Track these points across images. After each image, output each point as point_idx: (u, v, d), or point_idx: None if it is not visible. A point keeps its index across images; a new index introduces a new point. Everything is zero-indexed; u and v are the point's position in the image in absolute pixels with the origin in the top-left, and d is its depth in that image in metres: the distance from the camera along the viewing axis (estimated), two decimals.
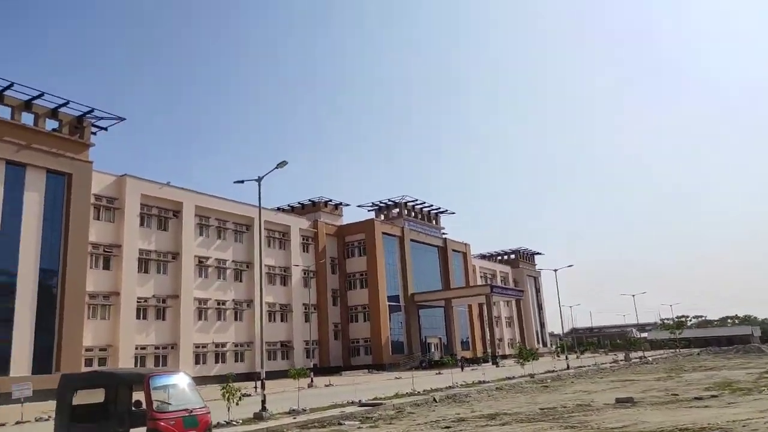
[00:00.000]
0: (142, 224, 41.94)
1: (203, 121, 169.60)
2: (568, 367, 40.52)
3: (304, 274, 54.90)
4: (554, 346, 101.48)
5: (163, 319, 42.30)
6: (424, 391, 23.68)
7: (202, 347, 44.51)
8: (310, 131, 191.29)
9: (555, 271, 51.96)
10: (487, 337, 67.61)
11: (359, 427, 14.33)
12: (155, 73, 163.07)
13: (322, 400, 21.06)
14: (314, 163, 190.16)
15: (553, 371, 37.01)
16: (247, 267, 49.62)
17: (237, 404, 15.82)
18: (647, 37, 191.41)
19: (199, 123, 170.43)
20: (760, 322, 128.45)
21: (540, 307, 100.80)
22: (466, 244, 74.40)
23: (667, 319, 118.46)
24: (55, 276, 35.21)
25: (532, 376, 32.36)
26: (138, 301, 40.44)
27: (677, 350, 74.89)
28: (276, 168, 21.00)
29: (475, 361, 57.82)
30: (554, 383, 28.45)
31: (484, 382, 28.59)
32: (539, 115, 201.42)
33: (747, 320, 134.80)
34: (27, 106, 34.98)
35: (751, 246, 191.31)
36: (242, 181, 22.24)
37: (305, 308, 54.51)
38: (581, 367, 42.87)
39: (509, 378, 31.32)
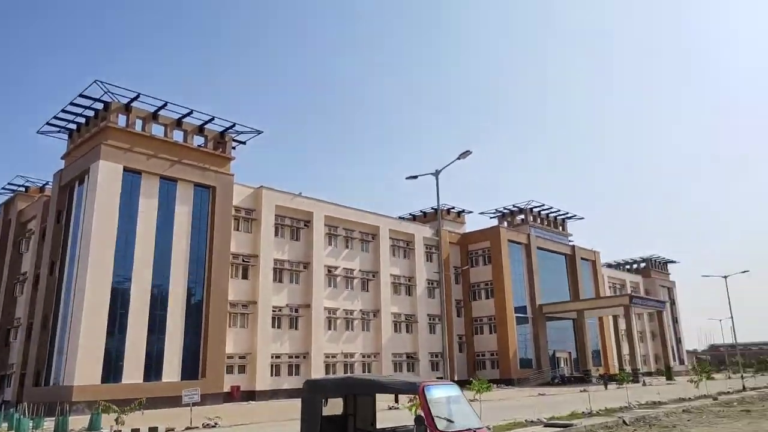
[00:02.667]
0: (276, 234, 42.97)
1: (332, 130, 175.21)
2: (744, 388, 35.80)
3: (429, 284, 53.87)
4: (690, 365, 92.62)
5: (296, 329, 42.99)
6: (600, 411, 21.35)
7: (332, 357, 44.74)
8: (431, 140, 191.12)
9: (725, 278, 46.92)
10: (623, 352, 62.52)
11: None
12: (280, 84, 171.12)
13: (492, 416, 18.80)
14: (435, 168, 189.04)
15: (730, 392, 32.72)
16: (373, 276, 49.39)
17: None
18: None
19: (328, 132, 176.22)
20: None
21: (675, 321, 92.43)
22: (595, 252, 69.64)
23: None
24: (201, 285, 36.81)
25: (715, 398, 28.67)
26: (273, 310, 41.38)
27: None
28: (458, 159, 19.82)
29: (613, 378, 53.41)
30: (755, 407, 24.66)
31: (660, 402, 25.63)
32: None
33: None
34: (178, 123, 36.97)
35: None
36: (416, 177, 21.29)
37: (430, 319, 53.46)
38: (758, 388, 37.64)
39: (685, 399, 27.94)
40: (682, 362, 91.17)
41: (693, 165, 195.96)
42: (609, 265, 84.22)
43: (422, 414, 6.76)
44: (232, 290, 38.68)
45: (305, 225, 45.22)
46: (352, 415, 8.20)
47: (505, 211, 62.96)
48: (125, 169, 34.29)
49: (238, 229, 40.72)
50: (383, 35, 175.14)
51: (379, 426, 8.34)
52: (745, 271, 47.20)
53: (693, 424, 18.31)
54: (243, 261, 40.62)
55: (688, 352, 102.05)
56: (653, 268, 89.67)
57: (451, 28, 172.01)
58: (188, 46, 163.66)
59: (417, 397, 7.18)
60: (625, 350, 64.67)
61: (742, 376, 42.10)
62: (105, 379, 31.27)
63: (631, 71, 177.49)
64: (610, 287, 75.90)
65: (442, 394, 7.34)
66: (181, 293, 35.66)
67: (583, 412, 20.56)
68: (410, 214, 61.59)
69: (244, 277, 40.63)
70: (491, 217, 64.29)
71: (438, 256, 54.04)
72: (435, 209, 59.60)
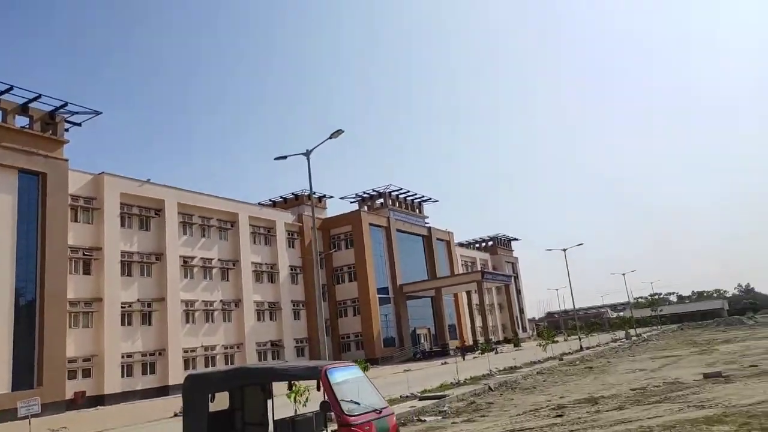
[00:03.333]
0: (123, 225, 39.45)
1: (177, 118, 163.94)
2: (581, 348, 40.32)
3: (291, 270, 53.23)
4: (533, 332, 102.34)
5: (150, 324, 40.00)
6: (466, 380, 22.56)
7: (191, 351, 42.38)
8: (286, 123, 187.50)
9: (564, 250, 52.04)
10: (476, 324, 67.26)
11: (453, 422, 12.90)
12: (125, 62, 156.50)
13: None
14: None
15: (570, 353, 36.67)
16: (234, 265, 47.53)
17: (305, 405, 14.19)
18: None
19: (173, 119, 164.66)
20: (729, 297, 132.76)
21: (519, 293, 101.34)
22: (449, 233, 73.75)
23: (641, 298, 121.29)
24: (33, 284, 32.63)
25: (560, 358, 31.82)
26: (122, 307, 38.05)
27: (659, 327, 76.28)
28: (330, 138, 19.20)
29: (469, 349, 57.19)
30: (594, 364, 27.88)
31: (516, 367, 27.84)
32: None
33: (718, 295, 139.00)
34: None
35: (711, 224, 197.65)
36: (285, 157, 20.50)
37: (294, 305, 52.91)
38: (591, 347, 42.62)
39: (536, 362, 30.70)
40: (525, 330, 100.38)
41: (531, 153, 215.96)
42: (461, 245, 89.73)
43: (326, 399, 6.23)
44: (72, 287, 34.81)
45: (156, 214, 42.05)
46: (240, 409, 7.39)
47: (365, 195, 64.06)
48: None
49: (76, 220, 36.68)
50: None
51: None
52: (580, 244, 52.75)
53: (549, 384, 20.13)
54: (84, 255, 36.73)
55: (529, 320, 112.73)
56: (499, 245, 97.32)
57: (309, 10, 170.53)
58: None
59: (318, 382, 6.59)
60: (478, 323, 69.65)
61: (579, 338, 47.44)
62: None
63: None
64: (462, 265, 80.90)
65: (345, 376, 6.85)
66: (8, 294, 31.26)
67: (451, 383, 21.59)
68: (270, 200, 60.14)
69: (86, 272, 36.80)
70: (351, 202, 65.10)
71: (313, 239, 53.75)
72: (295, 194, 59.09)
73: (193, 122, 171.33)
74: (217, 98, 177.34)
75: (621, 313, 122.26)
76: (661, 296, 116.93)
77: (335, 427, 6.39)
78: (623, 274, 77.92)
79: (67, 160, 35.22)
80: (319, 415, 6.39)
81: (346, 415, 6.12)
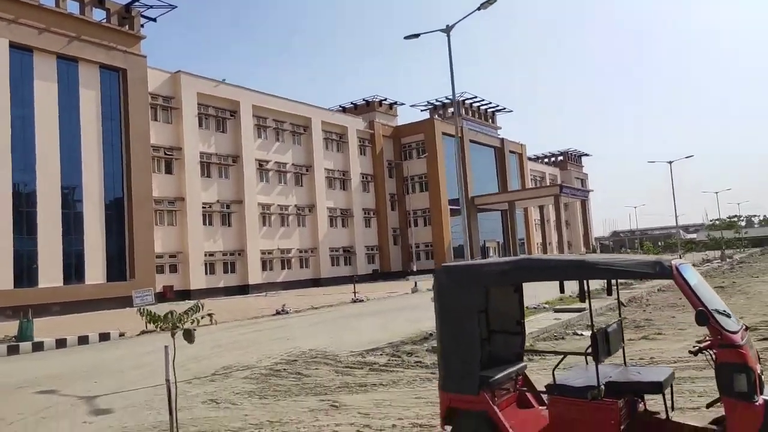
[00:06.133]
0: (200, 126, 39.15)
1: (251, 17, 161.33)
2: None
3: (363, 177, 52.48)
4: (598, 250, 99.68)
5: (229, 225, 40.60)
6: (573, 295, 20.64)
7: (268, 253, 43.08)
8: (358, 29, 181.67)
9: (670, 163, 48.57)
10: (550, 240, 65.62)
11: (630, 339, 10.87)
12: None
13: None
14: (362, 60, 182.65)
15: None
16: (307, 171, 47.10)
17: None
18: None
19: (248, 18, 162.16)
20: None
21: (586, 210, 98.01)
22: (522, 145, 70.55)
23: (717, 220, 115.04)
24: (120, 180, 33.13)
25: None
26: (203, 207, 38.55)
27: (743, 249, 72.11)
28: (478, 9, 16.77)
29: None
30: (717, 282, 24.86)
31: (626, 283, 25.43)
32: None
33: None
34: None
35: None
36: (417, 35, 18.63)
37: (365, 213, 52.60)
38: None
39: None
40: (591, 248, 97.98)
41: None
42: (530, 159, 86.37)
43: (701, 308, 3.79)
44: (155, 186, 35.24)
45: (231, 115, 41.47)
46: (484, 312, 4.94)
47: (437, 103, 61.35)
48: (11, 45, 28.83)
49: (156, 119, 36.54)
50: None
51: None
52: (690, 156, 48.33)
53: (685, 302, 17.99)
54: (165, 154, 36.89)
55: (596, 239, 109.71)
56: (569, 161, 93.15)
57: None
58: None
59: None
60: (547, 239, 67.87)
61: (680, 255, 44.85)
62: (18, 283, 27.93)
63: None
64: (531, 179, 78.12)
65: (695, 276, 4.29)
66: (97, 188, 31.90)
67: (569, 296, 19.16)
68: (340, 107, 58.51)
69: (168, 171, 37.12)
70: (422, 110, 62.66)
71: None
72: (366, 101, 57.01)
73: (268, 21, 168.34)
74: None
75: (694, 235, 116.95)
76: (741, 219, 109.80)
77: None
78: (716, 193, 72.44)
79: (145, 57, 34.54)
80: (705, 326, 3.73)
81: (727, 331, 3.82)
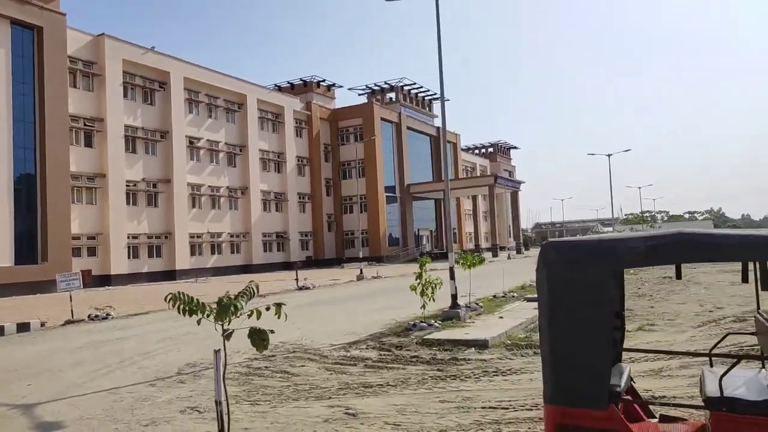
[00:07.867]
0: (125, 96, 35.92)
1: None
2: None
3: (299, 161, 50.67)
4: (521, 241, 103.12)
5: (156, 206, 37.71)
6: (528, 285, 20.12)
7: (197, 237, 40.51)
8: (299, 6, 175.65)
9: (609, 156, 50.71)
10: (480, 230, 66.57)
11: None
12: None
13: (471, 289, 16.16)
14: (299, 39, 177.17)
15: None
16: (241, 151, 44.68)
17: (432, 299, 12.02)
18: None
19: None
20: (729, 220, 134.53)
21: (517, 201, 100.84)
22: (457, 135, 71.05)
23: (630, 214, 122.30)
24: (32, 151, 29.65)
25: None
26: (127, 185, 35.48)
27: None
28: None
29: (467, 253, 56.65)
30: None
31: None
32: None
33: (718, 216, 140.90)
34: None
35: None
36: None
37: (300, 198, 50.86)
38: None
39: None
40: (516, 239, 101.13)
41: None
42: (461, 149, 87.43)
43: None
44: (73, 160, 31.95)
45: (161, 87, 38.39)
46: None
47: (376, 88, 60.23)
48: None
49: (75, 86, 33.07)
50: None
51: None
52: (627, 150, 51.37)
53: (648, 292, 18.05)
54: (85, 125, 33.52)
55: (522, 231, 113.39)
56: (499, 152, 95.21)
57: None
58: None
59: None
60: (477, 229, 68.94)
61: None
62: None
63: None
64: (463, 170, 79.07)
65: None
66: (5, 159, 28.37)
67: (528, 285, 18.83)
68: (276, 85, 56.04)
69: (88, 144, 33.81)
70: (360, 94, 61.33)
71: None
72: (304, 80, 54.98)
73: None
74: None
75: (609, 228, 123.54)
76: (653, 213, 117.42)
77: None
78: (639, 188, 77.00)
79: (64, 15, 30.99)
80: None
81: None
